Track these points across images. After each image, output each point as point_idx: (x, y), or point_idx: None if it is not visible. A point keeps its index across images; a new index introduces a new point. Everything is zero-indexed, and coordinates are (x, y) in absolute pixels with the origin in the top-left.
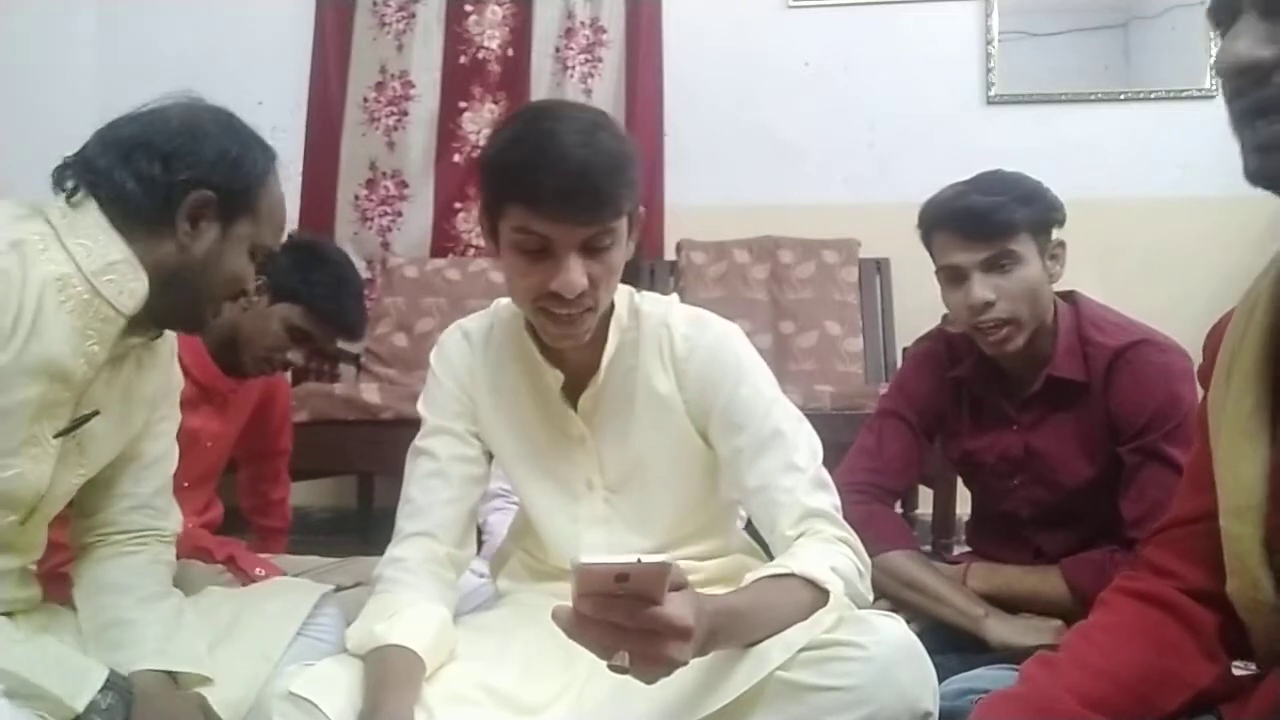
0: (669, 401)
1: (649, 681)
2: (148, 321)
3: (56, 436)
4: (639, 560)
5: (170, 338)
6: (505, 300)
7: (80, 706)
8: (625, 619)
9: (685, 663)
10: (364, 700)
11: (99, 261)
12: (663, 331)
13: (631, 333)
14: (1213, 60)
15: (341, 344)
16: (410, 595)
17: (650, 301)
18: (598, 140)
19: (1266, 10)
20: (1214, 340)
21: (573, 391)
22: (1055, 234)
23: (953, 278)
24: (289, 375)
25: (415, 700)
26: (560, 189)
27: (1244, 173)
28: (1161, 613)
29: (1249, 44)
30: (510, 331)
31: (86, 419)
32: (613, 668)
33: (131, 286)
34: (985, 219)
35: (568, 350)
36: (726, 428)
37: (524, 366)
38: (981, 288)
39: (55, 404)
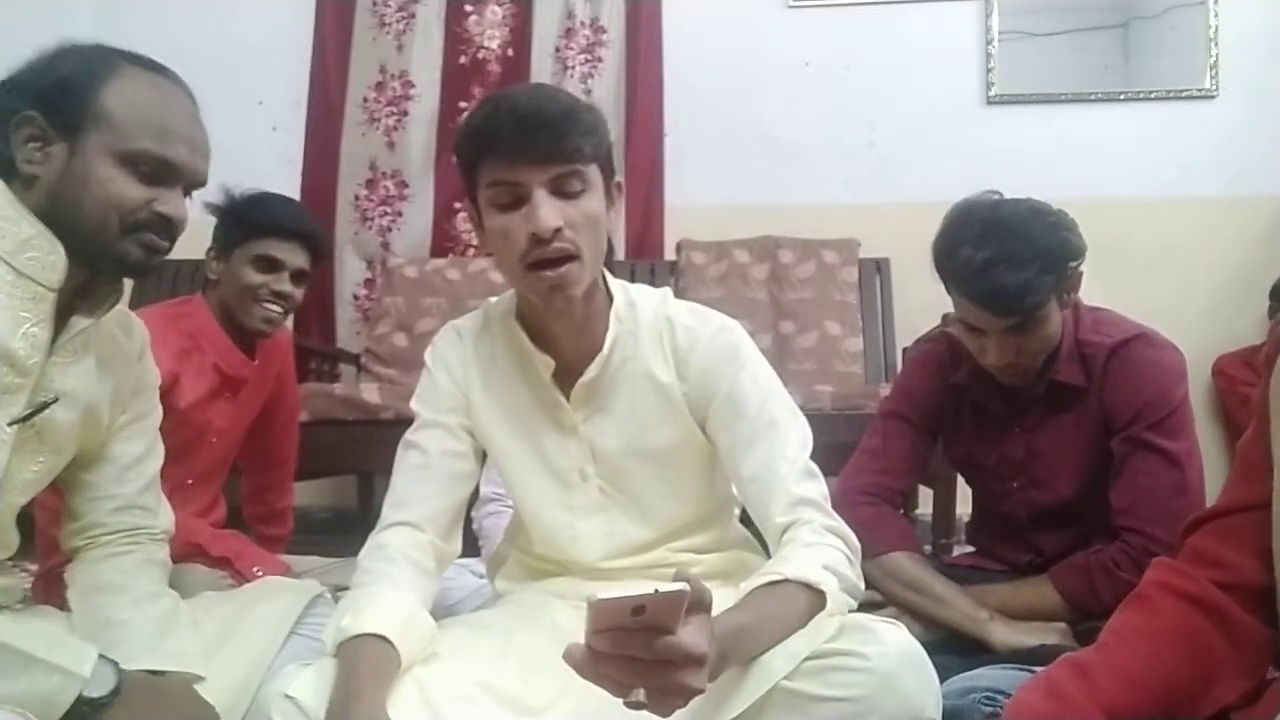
0: (668, 391)
1: (665, 714)
2: (88, 293)
3: (12, 424)
4: (656, 590)
5: (138, 334)
6: (496, 299)
7: (87, 671)
8: (641, 651)
9: (702, 690)
10: (334, 692)
11: (13, 241)
12: (662, 324)
13: (629, 324)
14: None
15: (304, 257)
16: (379, 586)
17: (645, 294)
18: (548, 93)
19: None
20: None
21: (566, 381)
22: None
23: (971, 329)
24: (298, 381)
25: (388, 684)
26: (517, 130)
27: None
28: (1204, 618)
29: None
30: (503, 325)
31: (44, 406)
32: (630, 704)
33: (51, 260)
34: (1017, 300)
35: (564, 336)
36: (725, 417)
37: (516, 357)
38: (1001, 352)
39: (6, 390)
